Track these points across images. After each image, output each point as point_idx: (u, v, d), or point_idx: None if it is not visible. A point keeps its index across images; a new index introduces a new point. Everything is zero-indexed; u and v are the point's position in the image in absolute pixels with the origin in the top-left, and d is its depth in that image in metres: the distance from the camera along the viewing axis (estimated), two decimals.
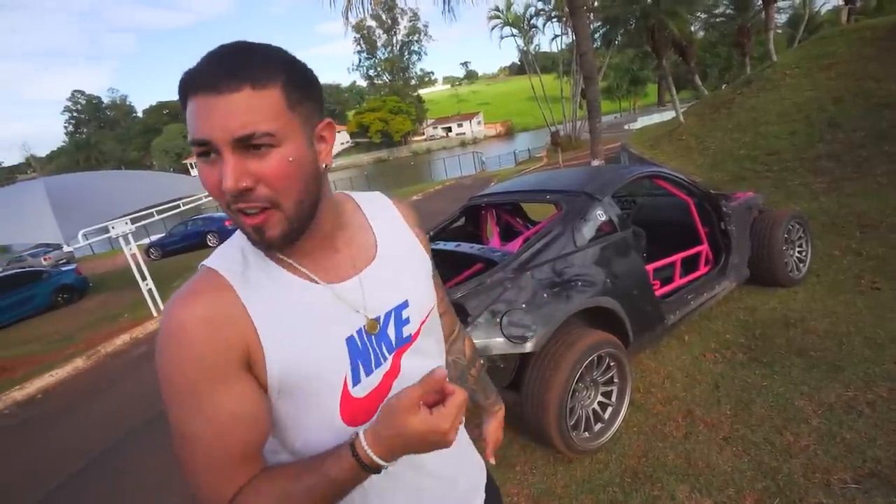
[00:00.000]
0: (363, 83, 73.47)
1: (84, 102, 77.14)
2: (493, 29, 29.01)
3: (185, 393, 0.56)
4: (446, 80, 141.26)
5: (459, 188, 17.50)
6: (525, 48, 30.74)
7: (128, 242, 7.65)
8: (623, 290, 2.39)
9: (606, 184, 2.67)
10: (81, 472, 3.67)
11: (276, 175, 0.55)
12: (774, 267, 3.29)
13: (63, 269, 12.10)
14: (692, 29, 15.39)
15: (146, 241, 15.93)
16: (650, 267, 2.76)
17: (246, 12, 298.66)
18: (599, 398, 2.30)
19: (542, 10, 28.10)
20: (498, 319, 1.99)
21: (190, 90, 0.54)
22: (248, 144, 0.53)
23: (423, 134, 68.13)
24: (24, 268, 14.08)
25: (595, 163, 8.43)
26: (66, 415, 5.02)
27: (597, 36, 16.57)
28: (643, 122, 26.64)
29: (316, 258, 0.66)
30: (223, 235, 15.26)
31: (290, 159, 0.56)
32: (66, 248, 7.09)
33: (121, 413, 4.62)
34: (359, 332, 0.67)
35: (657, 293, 2.74)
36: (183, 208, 9.55)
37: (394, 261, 0.74)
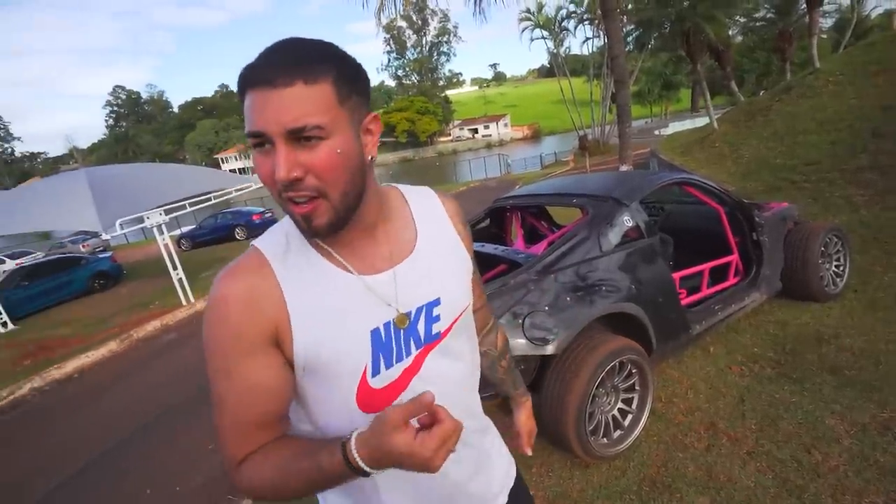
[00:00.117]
0: (391, 83, 74.15)
1: (124, 97, 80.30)
2: (523, 31, 28.87)
3: (219, 359, 0.63)
4: (474, 81, 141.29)
5: (484, 190, 17.47)
6: (555, 50, 30.48)
7: (161, 232, 7.93)
8: (647, 297, 2.35)
9: (634, 189, 2.64)
10: (127, 441, 3.88)
11: (324, 166, 0.58)
12: (809, 280, 3.18)
13: (100, 256, 12.64)
14: (729, 33, 14.94)
15: (177, 232, 16.45)
16: (677, 275, 2.71)
17: (279, 10, 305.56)
18: (620, 405, 2.27)
19: (574, 12, 27.80)
20: (520, 321, 1.99)
21: (247, 84, 0.56)
22: (299, 137, 0.56)
23: (450, 135, 68.31)
24: (64, 254, 14.79)
25: (623, 168, 8.30)
26: (103, 393, 5.26)
27: (629, 39, 16.31)
28: (675, 127, 26.01)
29: (355, 248, 0.68)
30: (251, 229, 15.65)
31: (338, 151, 0.58)
32: (103, 237, 7.39)
33: (154, 394, 4.81)
34: (386, 325, 0.68)
35: (683, 302, 2.69)
36: (213, 201, 9.84)
37: (431, 257, 0.74)
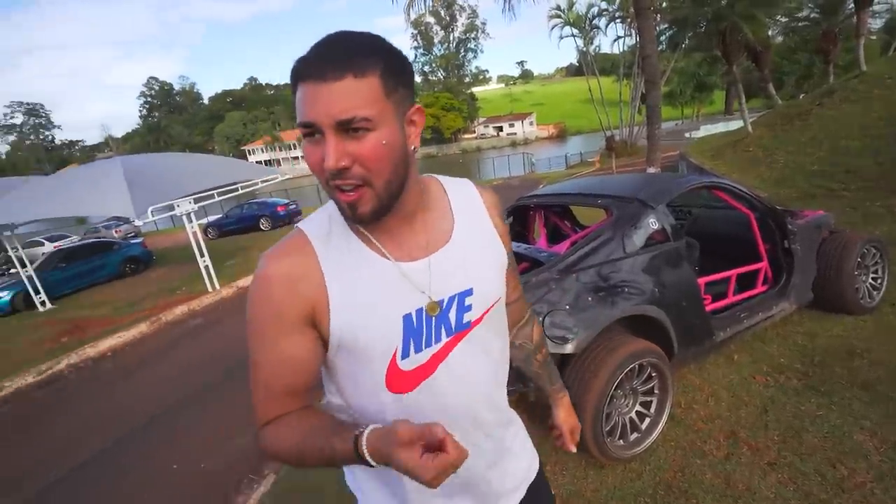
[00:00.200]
0: (417, 79, 74.19)
1: (157, 88, 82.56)
2: (552, 28, 28.48)
3: (258, 331, 0.69)
4: (500, 78, 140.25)
5: (507, 188, 17.39)
6: (584, 49, 29.99)
7: (190, 221, 8.19)
8: (670, 301, 2.32)
9: (662, 192, 2.60)
10: (158, 417, 4.04)
11: (370, 156, 0.60)
12: (843, 292, 3.07)
13: (131, 241, 13.12)
14: (769, 33, 14.38)
15: (204, 220, 16.90)
16: (702, 280, 2.66)
17: (308, 3, 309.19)
18: (638, 408, 2.25)
19: (606, 10, 27.26)
20: (540, 319, 1.99)
21: (300, 77, 0.60)
22: (348, 128, 0.59)
23: (474, 132, 68.06)
24: (98, 238, 15.40)
25: (651, 170, 8.14)
26: (134, 373, 5.49)
27: (662, 38, 15.90)
28: (706, 130, 25.21)
29: (393, 235, 0.71)
30: (275, 220, 15.98)
31: (384, 142, 0.61)
32: (135, 223, 7.67)
33: (182, 376, 5.00)
34: (418, 311, 0.71)
35: (708, 308, 2.64)
36: (240, 192, 10.09)
37: (466, 248, 0.76)
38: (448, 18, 62.63)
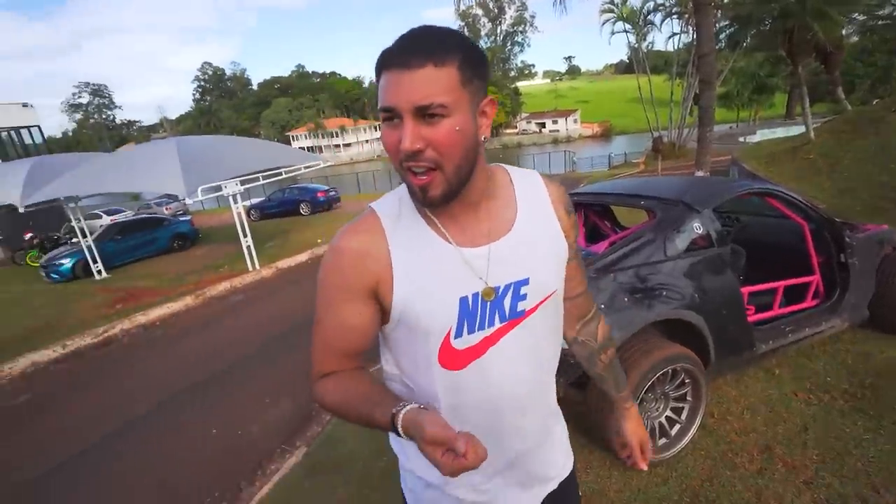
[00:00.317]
0: None
1: (210, 73, 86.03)
2: (604, 23, 27.64)
3: (325, 295, 0.77)
4: (546, 73, 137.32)
5: None
6: (637, 45, 28.95)
7: (236, 202, 8.54)
8: (710, 308, 2.25)
9: (709, 196, 2.51)
10: (201, 384, 4.31)
11: (443, 141, 0.64)
12: None
13: (181, 219, 13.81)
14: (843, 32, 13.29)
15: (247, 203, 17.55)
16: (746, 289, 2.56)
17: None
18: (668, 413, 2.21)
19: (662, 5, 26.16)
20: None
21: (385, 66, 0.64)
22: (424, 113, 0.63)
23: (516, 127, 67.20)
24: (151, 214, 16.30)
25: (699, 174, 7.83)
26: (180, 341, 5.84)
27: (721, 36, 15.09)
28: (763, 135, 23.79)
29: (458, 221, 0.75)
30: (315, 205, 16.41)
31: (457, 129, 0.64)
32: (185, 201, 8.06)
33: (223, 348, 5.28)
34: (474, 295, 0.74)
35: (751, 318, 2.54)
36: (283, 176, 10.41)
37: (526, 239, 0.78)
38: (496, 11, 61.84)
